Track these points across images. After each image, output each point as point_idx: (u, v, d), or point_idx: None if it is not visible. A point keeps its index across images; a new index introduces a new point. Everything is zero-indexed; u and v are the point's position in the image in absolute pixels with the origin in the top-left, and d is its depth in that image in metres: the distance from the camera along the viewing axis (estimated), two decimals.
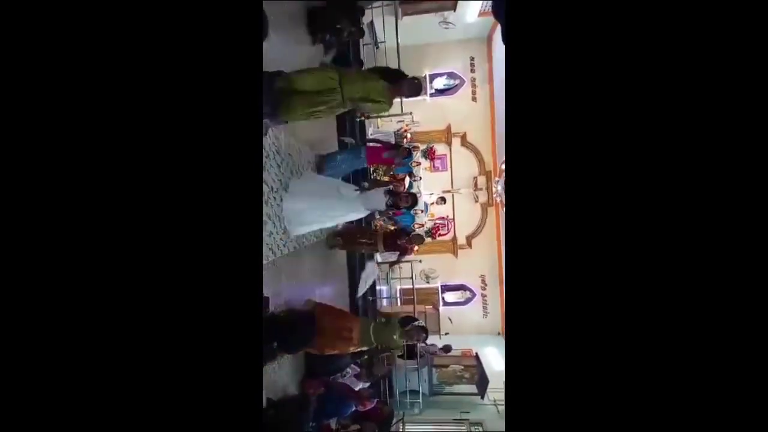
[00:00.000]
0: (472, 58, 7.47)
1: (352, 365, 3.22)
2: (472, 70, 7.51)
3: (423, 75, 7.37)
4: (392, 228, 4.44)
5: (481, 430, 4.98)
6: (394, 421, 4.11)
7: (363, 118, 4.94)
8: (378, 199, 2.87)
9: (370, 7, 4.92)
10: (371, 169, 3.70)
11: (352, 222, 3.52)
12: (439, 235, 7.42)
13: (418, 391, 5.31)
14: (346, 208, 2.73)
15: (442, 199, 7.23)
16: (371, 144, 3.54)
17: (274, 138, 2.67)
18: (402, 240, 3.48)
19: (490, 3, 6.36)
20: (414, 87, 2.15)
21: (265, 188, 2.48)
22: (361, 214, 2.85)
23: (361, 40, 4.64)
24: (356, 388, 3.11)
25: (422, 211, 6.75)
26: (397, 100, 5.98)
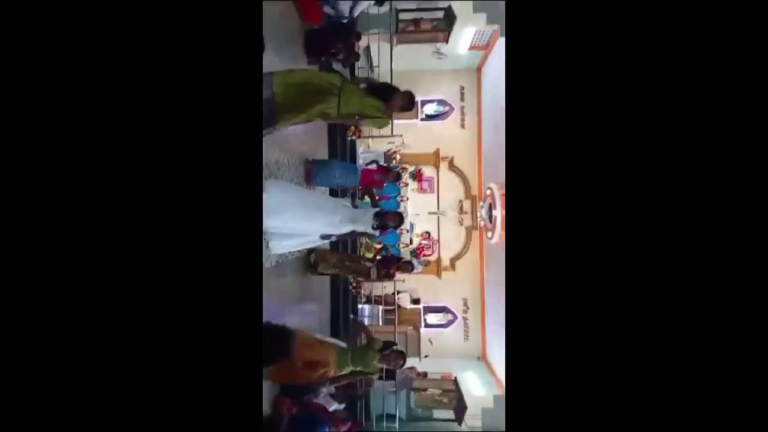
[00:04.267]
0: (462, 88, 7.80)
1: (328, 385, 3.15)
2: (462, 99, 7.83)
3: (415, 100, 7.60)
4: (379, 248, 4.45)
5: None
6: None
7: (354, 138, 5.05)
8: (366, 219, 2.90)
9: (367, 33, 5.14)
10: (359, 192, 3.76)
11: (336, 245, 3.52)
12: (424, 255, 7.47)
13: (395, 415, 5.19)
14: (332, 221, 2.74)
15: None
16: (368, 167, 3.62)
17: (263, 153, 2.71)
18: (393, 269, 3.50)
19: (481, 37, 6.73)
20: (407, 98, 2.20)
21: None
22: (345, 230, 2.87)
23: (356, 63, 4.81)
24: (330, 409, 3.03)
25: (407, 231, 6.82)
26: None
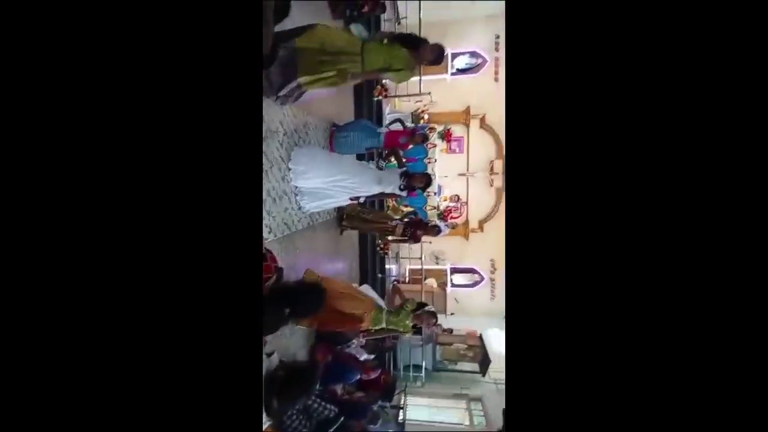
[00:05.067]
0: (497, 36, 7.18)
1: (359, 337, 3.38)
2: (497, 49, 7.23)
3: (444, 53, 7.13)
4: (405, 210, 4.47)
5: (480, 405, 5.19)
6: (397, 391, 4.33)
7: (380, 98, 4.89)
8: (393, 180, 2.91)
9: None
10: (384, 153, 3.71)
11: (364, 203, 3.57)
12: (451, 218, 7.42)
13: (421, 366, 5.52)
14: (359, 182, 2.78)
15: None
16: (392, 128, 3.51)
17: (293, 116, 2.72)
18: (420, 231, 3.50)
19: None
20: (435, 50, 2.10)
21: (282, 166, 2.56)
22: (372, 191, 2.90)
23: (382, 15, 4.53)
24: (361, 358, 3.29)
25: (435, 193, 6.74)
26: (415, 79, 5.84)
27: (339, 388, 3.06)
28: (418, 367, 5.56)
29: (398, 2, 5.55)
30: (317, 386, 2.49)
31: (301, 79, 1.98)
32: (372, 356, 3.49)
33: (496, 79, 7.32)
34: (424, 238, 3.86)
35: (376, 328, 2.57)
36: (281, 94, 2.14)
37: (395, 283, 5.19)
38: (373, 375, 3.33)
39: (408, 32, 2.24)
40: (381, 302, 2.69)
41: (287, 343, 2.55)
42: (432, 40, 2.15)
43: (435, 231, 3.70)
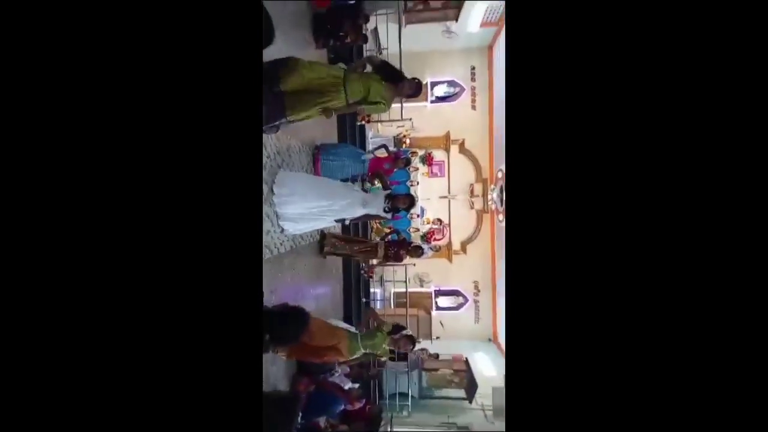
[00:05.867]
0: (473, 67, 7.60)
1: (342, 365, 3.26)
2: (473, 79, 7.63)
3: (424, 82, 7.47)
4: (388, 232, 4.49)
5: None
6: (383, 422, 4.14)
7: (363, 123, 5.01)
8: (377, 202, 2.93)
9: (374, 14, 5.02)
10: (368, 177, 3.77)
11: (348, 228, 3.55)
12: (435, 239, 7.48)
13: (408, 394, 5.34)
14: (344, 205, 2.77)
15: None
16: (377, 154, 3.58)
17: (276, 139, 2.73)
18: (402, 251, 3.51)
19: (493, 13, 6.48)
20: (414, 86, 2.17)
21: (265, 188, 2.54)
22: (358, 214, 2.90)
23: (364, 45, 4.72)
24: (345, 387, 3.15)
25: (418, 216, 6.81)
26: (397, 105, 6.06)
27: (322, 421, 2.90)
28: (404, 396, 5.37)
29: (379, 33, 5.83)
30: (299, 420, 2.35)
31: (289, 117, 2.03)
32: (356, 384, 3.36)
33: (473, 107, 7.67)
34: (408, 260, 3.84)
35: (356, 356, 2.49)
36: (268, 126, 2.16)
37: (370, 307, 5.09)
38: (359, 405, 3.18)
39: (389, 63, 2.32)
40: (352, 328, 2.63)
41: (267, 373, 2.42)
42: (412, 71, 2.24)
43: (418, 252, 3.70)
